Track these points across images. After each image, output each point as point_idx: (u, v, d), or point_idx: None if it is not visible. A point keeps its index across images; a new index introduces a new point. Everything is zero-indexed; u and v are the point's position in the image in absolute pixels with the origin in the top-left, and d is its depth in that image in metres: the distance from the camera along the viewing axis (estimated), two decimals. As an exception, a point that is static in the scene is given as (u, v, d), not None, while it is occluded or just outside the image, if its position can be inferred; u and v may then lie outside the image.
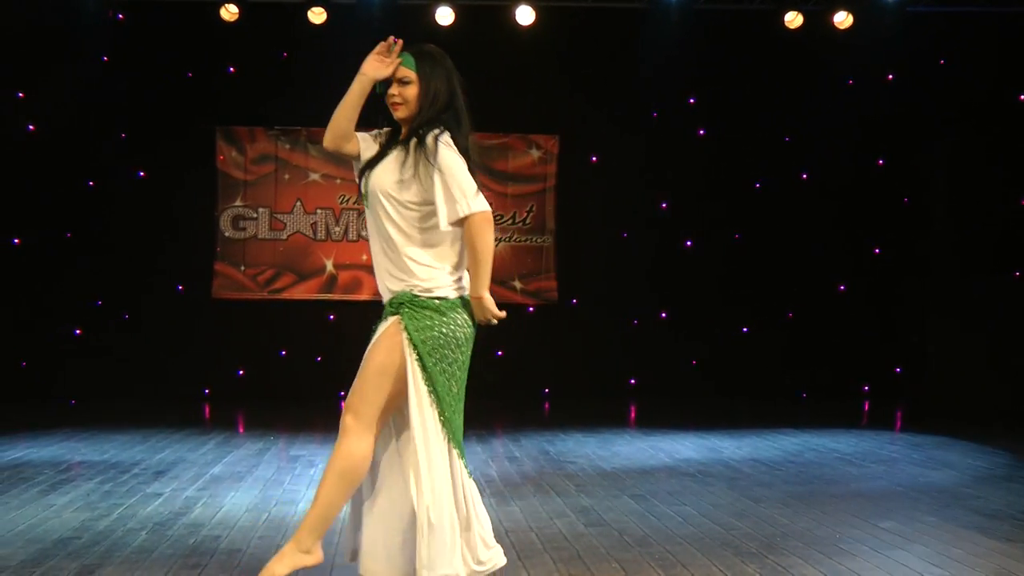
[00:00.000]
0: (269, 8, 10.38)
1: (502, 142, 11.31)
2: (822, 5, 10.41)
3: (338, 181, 11.05)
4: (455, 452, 3.82)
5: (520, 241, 11.37)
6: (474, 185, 3.76)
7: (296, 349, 11.08)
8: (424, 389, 3.77)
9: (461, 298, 3.86)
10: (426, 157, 3.76)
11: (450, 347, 3.81)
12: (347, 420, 3.83)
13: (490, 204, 3.80)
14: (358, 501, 3.96)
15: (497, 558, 3.93)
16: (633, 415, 10.42)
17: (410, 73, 3.87)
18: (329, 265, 11.22)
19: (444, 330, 3.80)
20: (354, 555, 4.00)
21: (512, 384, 10.78)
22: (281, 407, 10.21)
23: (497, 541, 3.99)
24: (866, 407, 11.19)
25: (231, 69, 11.04)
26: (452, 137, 3.81)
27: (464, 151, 3.82)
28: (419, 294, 3.81)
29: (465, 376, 3.90)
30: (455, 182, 3.73)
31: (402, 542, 3.83)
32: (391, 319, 3.84)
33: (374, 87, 3.89)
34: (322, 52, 9.82)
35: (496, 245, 11.29)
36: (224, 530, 5.20)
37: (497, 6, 10.36)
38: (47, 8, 10.23)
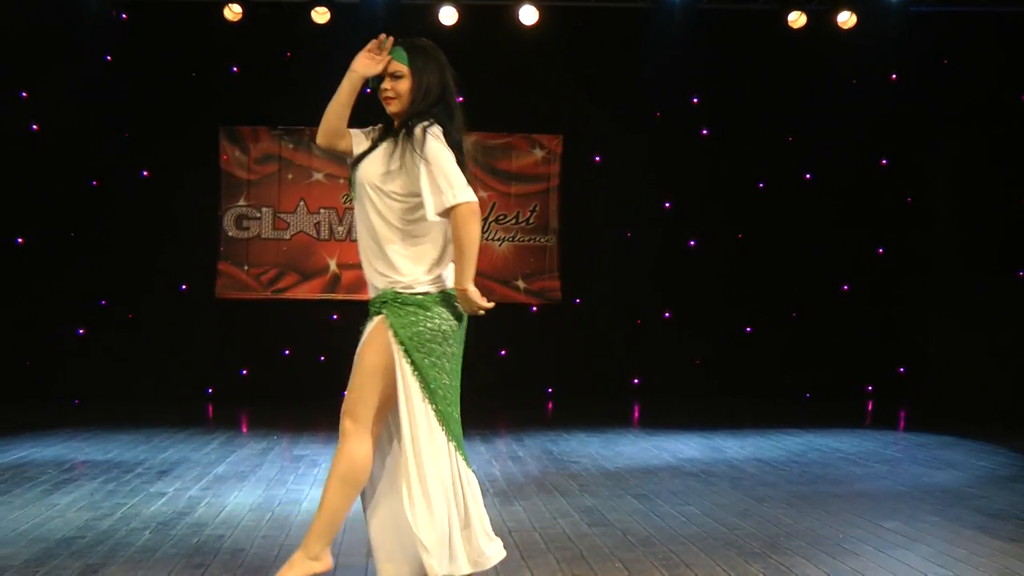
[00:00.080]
0: (272, 7, 10.38)
1: (506, 142, 11.29)
2: (825, 5, 10.41)
3: (341, 181, 11.02)
4: (452, 445, 3.81)
5: (523, 241, 11.35)
6: (462, 176, 3.72)
7: (299, 349, 11.08)
8: (416, 385, 3.76)
9: (444, 292, 3.83)
10: (413, 147, 3.73)
11: (436, 341, 3.80)
12: (346, 424, 3.84)
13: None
14: (365, 503, 3.96)
15: (497, 552, 3.93)
16: (636, 415, 10.42)
17: (402, 67, 3.85)
18: (332, 265, 11.22)
19: (429, 324, 3.78)
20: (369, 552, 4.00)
21: (515, 384, 10.80)
22: (284, 407, 10.21)
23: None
24: (869, 407, 11.18)
25: (234, 69, 11.04)
26: (444, 131, 3.78)
27: (456, 146, 3.79)
28: (401, 291, 3.80)
29: (458, 369, 3.89)
30: (441, 172, 3.69)
31: (412, 542, 3.82)
32: (376, 319, 3.84)
33: (365, 84, 3.89)
34: (326, 52, 9.72)
35: (500, 245, 11.47)
36: (227, 530, 5.21)
37: (500, 6, 10.35)
38: (50, 8, 10.23)
